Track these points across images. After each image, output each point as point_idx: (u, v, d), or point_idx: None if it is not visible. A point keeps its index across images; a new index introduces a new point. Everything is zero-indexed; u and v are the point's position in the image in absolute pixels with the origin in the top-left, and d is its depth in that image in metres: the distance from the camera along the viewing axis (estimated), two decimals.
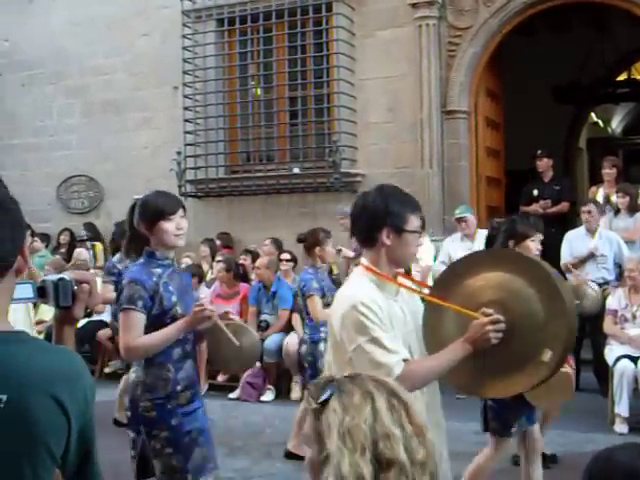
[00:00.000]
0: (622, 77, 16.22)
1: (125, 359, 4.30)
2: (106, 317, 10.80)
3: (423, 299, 3.47)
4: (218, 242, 11.44)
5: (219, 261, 10.38)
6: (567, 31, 12.45)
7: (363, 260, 3.37)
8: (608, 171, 10.23)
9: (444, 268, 4.00)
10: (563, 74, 13.80)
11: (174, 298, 4.07)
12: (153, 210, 4.14)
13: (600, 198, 10.04)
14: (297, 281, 7.25)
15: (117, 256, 7.37)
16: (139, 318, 3.97)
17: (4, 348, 1.90)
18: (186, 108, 11.94)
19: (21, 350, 1.92)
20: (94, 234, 12.47)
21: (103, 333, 10.57)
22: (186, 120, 11.93)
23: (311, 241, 7.18)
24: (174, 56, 11.92)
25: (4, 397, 1.84)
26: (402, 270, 3.51)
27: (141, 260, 4.15)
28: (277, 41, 11.64)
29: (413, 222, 3.34)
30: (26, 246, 2.08)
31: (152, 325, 4.00)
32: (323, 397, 1.88)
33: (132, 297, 3.97)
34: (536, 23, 11.40)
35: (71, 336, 2.28)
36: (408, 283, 3.52)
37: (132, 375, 4.16)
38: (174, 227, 4.12)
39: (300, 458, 6.47)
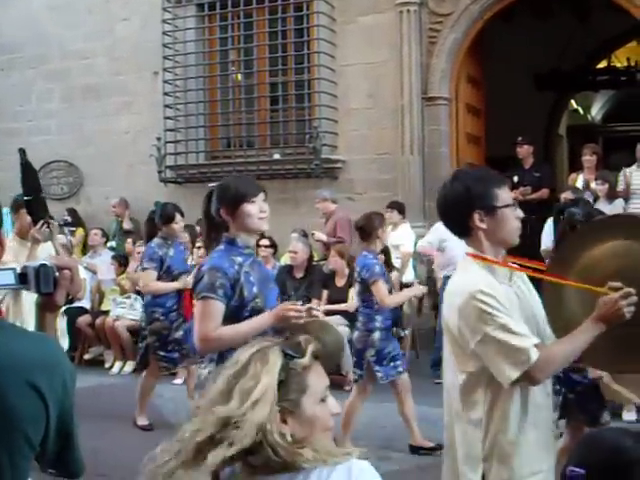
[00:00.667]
0: (602, 65, 16.29)
1: (200, 351, 3.96)
2: (86, 304, 10.79)
3: (537, 280, 3.23)
4: (198, 228, 11.39)
5: (199, 247, 10.36)
6: (548, 18, 12.46)
7: (469, 249, 3.15)
8: (588, 158, 10.25)
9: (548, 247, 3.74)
10: (544, 61, 13.84)
11: (255, 289, 3.84)
12: (234, 193, 3.95)
13: (579, 184, 10.07)
14: (357, 266, 6.91)
15: (156, 241, 7.42)
16: (219, 307, 3.75)
17: None
18: (166, 93, 11.90)
19: None
20: (76, 220, 12.40)
21: (83, 320, 10.56)
22: (166, 105, 11.89)
23: (369, 226, 6.83)
24: (154, 41, 11.87)
25: None
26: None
27: (221, 247, 3.92)
28: (258, 26, 11.59)
29: (502, 197, 3.10)
30: (3, 233, 2.07)
31: (228, 317, 3.77)
32: None
33: (213, 285, 3.73)
34: (517, 9, 11.40)
35: (53, 323, 2.27)
36: (519, 265, 3.31)
37: (203, 371, 3.93)
38: (257, 210, 3.90)
39: (424, 449, 6.49)
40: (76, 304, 10.81)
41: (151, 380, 7.60)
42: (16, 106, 13.36)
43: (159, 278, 7.33)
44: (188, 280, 7.02)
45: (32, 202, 5.85)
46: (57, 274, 2.19)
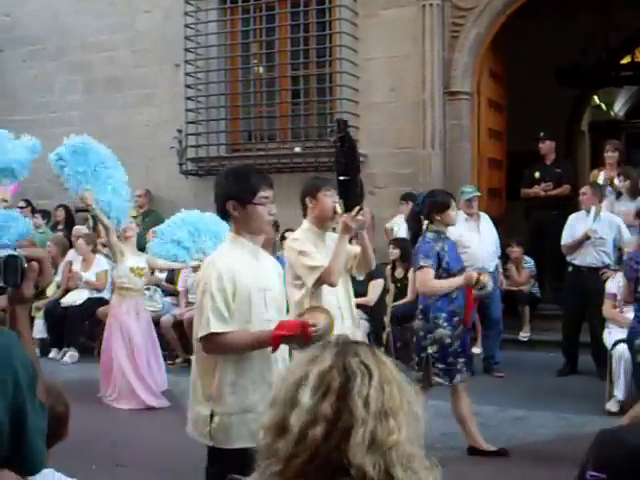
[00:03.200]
0: (625, 60, 16.17)
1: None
2: (106, 294, 10.83)
3: None
4: None
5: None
6: (570, 14, 12.40)
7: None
8: (610, 154, 10.20)
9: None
10: (566, 57, 13.74)
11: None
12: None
13: (601, 181, 10.01)
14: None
15: (429, 235, 6.42)
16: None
17: None
18: (188, 86, 11.91)
19: None
20: None
21: (102, 310, 10.59)
22: (188, 98, 11.90)
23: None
24: (176, 33, 11.88)
25: None
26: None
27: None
28: (280, 19, 11.58)
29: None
30: None
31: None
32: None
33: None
34: (539, 5, 11.34)
35: (24, 316, 2.20)
36: None
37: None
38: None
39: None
40: (96, 295, 10.87)
41: (463, 397, 6.52)
42: (38, 98, 13.41)
43: (437, 277, 6.37)
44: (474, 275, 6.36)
45: (349, 184, 5.20)
46: (25, 265, 2.13)
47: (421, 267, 6.28)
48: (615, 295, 8.18)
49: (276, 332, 3.71)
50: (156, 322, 9.56)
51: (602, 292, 8.34)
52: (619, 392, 7.62)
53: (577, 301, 9.08)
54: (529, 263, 10.70)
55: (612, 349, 7.81)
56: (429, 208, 6.46)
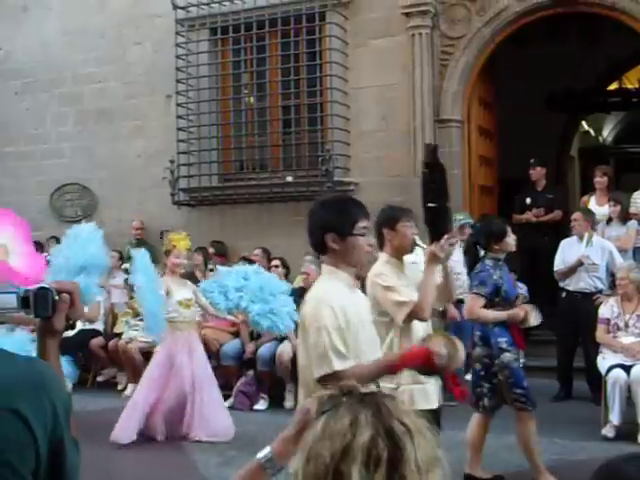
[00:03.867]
0: (613, 86, 16.30)
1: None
2: (99, 326, 10.81)
3: None
4: (211, 250, 11.43)
5: (211, 270, 10.38)
6: (559, 40, 12.49)
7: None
8: (599, 179, 10.25)
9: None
10: (555, 83, 13.85)
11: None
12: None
13: (592, 206, 10.06)
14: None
15: (488, 262, 6.41)
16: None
17: None
18: (179, 116, 11.95)
19: None
20: None
21: (96, 342, 10.57)
22: (179, 129, 11.94)
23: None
24: (167, 64, 11.94)
25: None
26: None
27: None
28: (270, 50, 11.66)
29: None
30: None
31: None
32: (322, 410, 1.74)
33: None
34: (528, 32, 11.44)
35: (54, 348, 2.17)
36: None
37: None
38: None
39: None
40: (89, 326, 10.84)
41: (530, 425, 6.38)
42: (31, 129, 13.44)
43: (493, 305, 6.32)
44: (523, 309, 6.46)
45: (437, 211, 4.99)
46: (57, 298, 2.12)
47: (474, 293, 6.32)
48: (608, 320, 8.19)
49: (399, 364, 3.62)
50: (149, 353, 9.52)
51: (595, 317, 8.35)
52: (614, 417, 7.61)
53: (571, 326, 9.10)
54: (522, 289, 10.71)
55: (606, 374, 7.80)
56: (486, 237, 6.52)
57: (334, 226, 3.73)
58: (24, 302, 2.11)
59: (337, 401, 1.73)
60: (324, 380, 3.59)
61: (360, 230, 3.74)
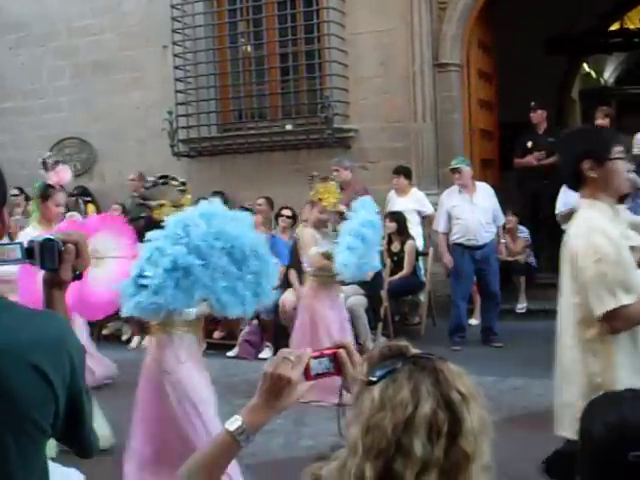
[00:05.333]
0: (614, 27, 16.12)
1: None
2: None
3: None
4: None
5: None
6: None
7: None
8: (601, 121, 10.17)
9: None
10: (555, 25, 13.70)
11: None
12: None
13: None
14: None
15: None
16: None
17: None
18: (176, 67, 11.85)
19: None
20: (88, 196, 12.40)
21: None
22: (177, 79, 11.85)
23: None
24: (163, 14, 11.80)
25: None
26: None
27: None
28: None
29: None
30: (5, 210, 2.02)
31: None
32: (374, 374, 1.68)
33: None
34: None
35: (61, 300, 2.16)
36: None
37: None
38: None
39: None
40: None
41: None
42: (27, 84, 13.34)
43: None
44: None
45: None
46: (62, 248, 2.10)
47: None
48: None
49: None
50: None
51: None
52: None
53: None
54: (524, 232, 10.72)
55: None
56: None
57: (590, 151, 3.50)
58: (28, 253, 2.08)
59: (391, 365, 1.68)
60: (609, 317, 3.36)
61: (618, 154, 3.51)
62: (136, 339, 10.10)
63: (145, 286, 4.29)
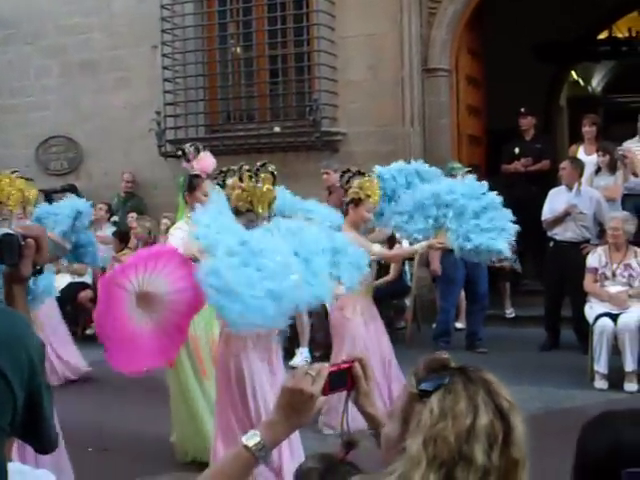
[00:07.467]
0: (603, 35, 16.19)
1: None
2: (87, 279, 10.78)
3: None
4: None
5: None
6: None
7: None
8: (587, 129, 10.21)
9: None
10: (544, 32, 13.73)
11: None
12: None
13: (580, 156, 10.03)
14: None
15: None
16: None
17: None
18: (165, 67, 11.82)
19: None
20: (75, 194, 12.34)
21: (84, 295, 10.56)
22: (165, 79, 11.81)
23: None
24: (152, 14, 11.76)
25: None
26: None
27: None
28: None
29: None
30: None
31: None
32: (426, 386, 1.71)
33: None
34: None
35: (21, 295, 2.14)
36: None
37: None
38: None
39: None
40: (78, 279, 10.81)
41: None
42: (14, 82, 13.26)
43: None
44: None
45: None
46: (22, 243, 2.07)
47: None
48: (596, 269, 8.19)
49: None
50: None
51: (583, 267, 8.34)
52: (600, 366, 7.65)
53: (558, 276, 9.10)
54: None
55: (594, 324, 7.83)
56: None
57: None
58: None
59: (440, 377, 1.72)
60: None
61: None
62: None
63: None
